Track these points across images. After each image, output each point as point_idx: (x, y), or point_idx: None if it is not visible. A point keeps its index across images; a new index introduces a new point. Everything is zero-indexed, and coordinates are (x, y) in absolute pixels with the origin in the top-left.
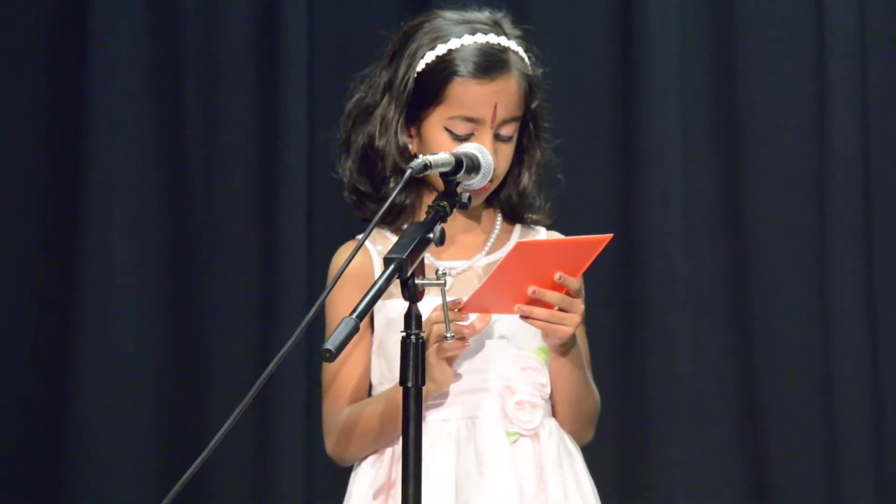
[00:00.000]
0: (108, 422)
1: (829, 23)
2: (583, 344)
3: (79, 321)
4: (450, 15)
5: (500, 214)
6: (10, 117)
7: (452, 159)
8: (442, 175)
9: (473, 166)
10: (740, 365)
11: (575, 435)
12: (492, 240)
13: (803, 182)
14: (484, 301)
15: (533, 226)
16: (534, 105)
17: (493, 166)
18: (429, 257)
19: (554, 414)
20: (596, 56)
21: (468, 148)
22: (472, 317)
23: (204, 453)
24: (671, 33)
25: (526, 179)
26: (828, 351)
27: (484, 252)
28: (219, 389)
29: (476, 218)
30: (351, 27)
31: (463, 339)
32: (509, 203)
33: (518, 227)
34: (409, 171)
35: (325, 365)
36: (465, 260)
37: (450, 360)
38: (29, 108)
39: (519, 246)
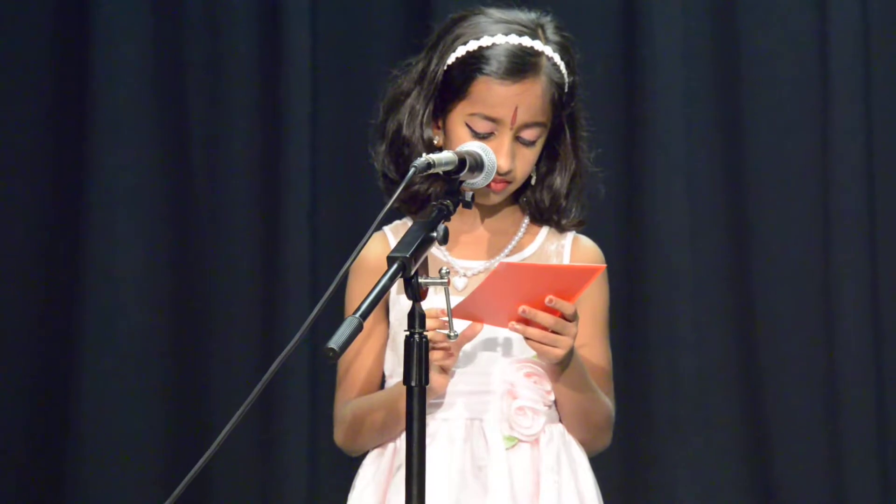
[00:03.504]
0: (112, 420)
1: (831, 19)
2: (602, 356)
3: (82, 321)
4: (493, 12)
5: (527, 217)
6: (14, 119)
7: (455, 158)
8: (445, 174)
9: (476, 165)
10: (743, 363)
11: (586, 444)
12: (514, 242)
13: (807, 180)
14: (472, 311)
15: (563, 230)
16: (566, 112)
17: (496, 165)
18: (447, 256)
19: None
20: (598, 53)
21: (472, 146)
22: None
23: (209, 451)
24: (674, 30)
25: (558, 183)
26: (831, 349)
27: (504, 253)
28: (223, 387)
29: (500, 219)
30: (354, 28)
31: (448, 349)
32: (538, 206)
33: (545, 230)
34: (412, 170)
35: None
36: (484, 260)
37: (444, 368)
38: (33, 111)
39: (502, 266)
